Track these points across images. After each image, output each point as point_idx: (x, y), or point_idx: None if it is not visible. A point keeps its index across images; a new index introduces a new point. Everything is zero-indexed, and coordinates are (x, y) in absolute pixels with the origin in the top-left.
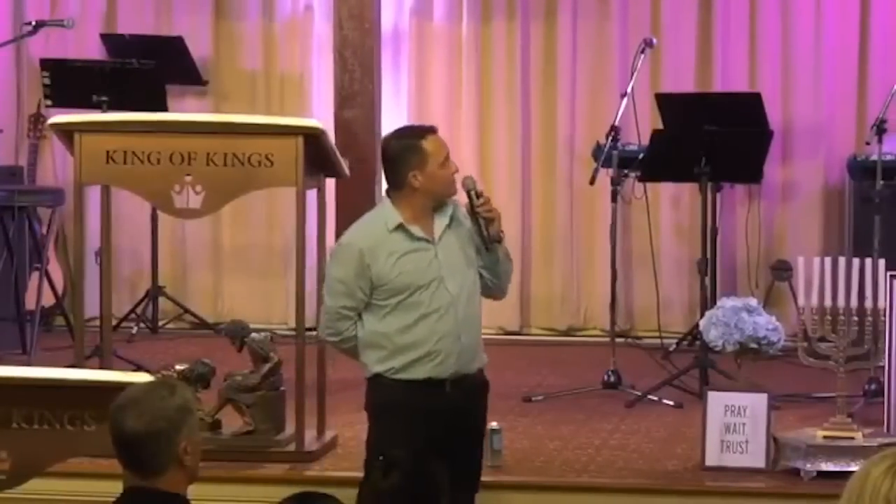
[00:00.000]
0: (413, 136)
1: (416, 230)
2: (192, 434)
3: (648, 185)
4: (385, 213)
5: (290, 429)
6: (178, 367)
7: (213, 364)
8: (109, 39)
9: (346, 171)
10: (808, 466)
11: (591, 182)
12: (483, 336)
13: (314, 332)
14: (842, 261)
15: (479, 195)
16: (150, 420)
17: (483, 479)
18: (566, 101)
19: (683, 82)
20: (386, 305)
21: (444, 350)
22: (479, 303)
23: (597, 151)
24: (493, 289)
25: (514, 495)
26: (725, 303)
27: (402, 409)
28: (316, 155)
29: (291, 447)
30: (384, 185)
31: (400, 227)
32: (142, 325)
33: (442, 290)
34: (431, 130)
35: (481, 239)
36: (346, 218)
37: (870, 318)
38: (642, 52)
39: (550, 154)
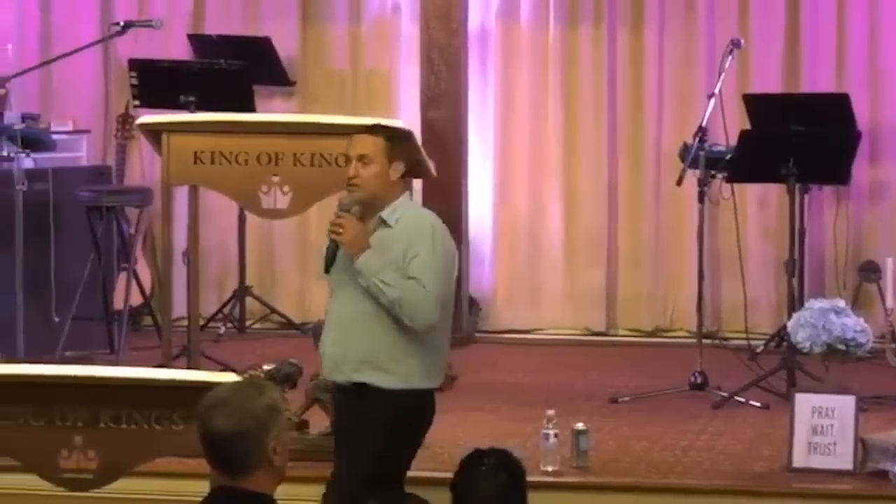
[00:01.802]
0: None
1: None
2: (280, 434)
3: (736, 185)
4: None
5: None
6: (265, 366)
7: (299, 364)
8: (197, 40)
9: (433, 171)
10: None
11: (679, 183)
12: (569, 336)
13: None
14: None
15: (337, 216)
16: (239, 420)
17: (569, 479)
18: (653, 102)
19: (771, 83)
20: None
21: (322, 353)
22: (374, 317)
23: (684, 152)
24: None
25: (600, 496)
26: (813, 304)
27: None
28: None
29: None
30: (469, 186)
31: None
32: (229, 325)
33: (335, 292)
34: (367, 129)
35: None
36: None
37: None
38: (730, 53)
39: (637, 155)
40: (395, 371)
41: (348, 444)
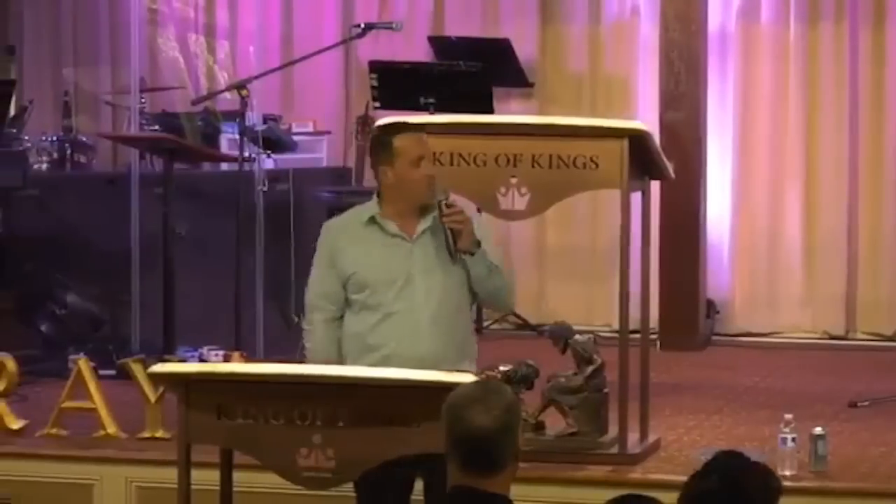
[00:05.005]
0: (388, 132)
1: (390, 226)
2: (520, 433)
3: None
4: (366, 206)
5: (613, 431)
6: (501, 367)
7: (536, 365)
8: (436, 41)
9: (671, 173)
10: None
11: None
12: (806, 340)
13: (638, 335)
14: None
15: (448, 205)
16: (500, 415)
17: (806, 484)
18: (895, 103)
19: None
20: (356, 301)
21: (403, 355)
22: (459, 311)
23: None
24: (484, 301)
25: (838, 501)
26: None
27: None
28: (640, 157)
29: (614, 449)
30: (708, 187)
31: (373, 221)
32: None
33: (406, 291)
34: (411, 128)
35: (448, 250)
36: (670, 219)
37: None
38: None
39: (878, 156)
40: (473, 355)
41: None
